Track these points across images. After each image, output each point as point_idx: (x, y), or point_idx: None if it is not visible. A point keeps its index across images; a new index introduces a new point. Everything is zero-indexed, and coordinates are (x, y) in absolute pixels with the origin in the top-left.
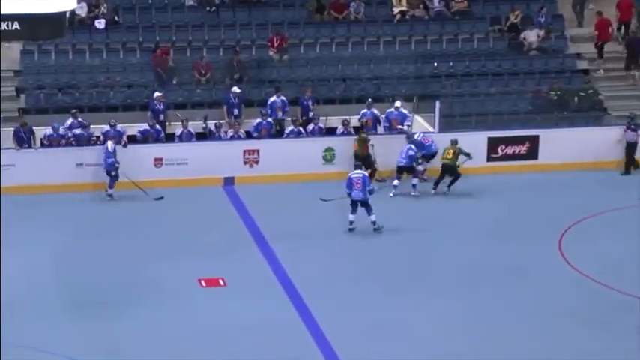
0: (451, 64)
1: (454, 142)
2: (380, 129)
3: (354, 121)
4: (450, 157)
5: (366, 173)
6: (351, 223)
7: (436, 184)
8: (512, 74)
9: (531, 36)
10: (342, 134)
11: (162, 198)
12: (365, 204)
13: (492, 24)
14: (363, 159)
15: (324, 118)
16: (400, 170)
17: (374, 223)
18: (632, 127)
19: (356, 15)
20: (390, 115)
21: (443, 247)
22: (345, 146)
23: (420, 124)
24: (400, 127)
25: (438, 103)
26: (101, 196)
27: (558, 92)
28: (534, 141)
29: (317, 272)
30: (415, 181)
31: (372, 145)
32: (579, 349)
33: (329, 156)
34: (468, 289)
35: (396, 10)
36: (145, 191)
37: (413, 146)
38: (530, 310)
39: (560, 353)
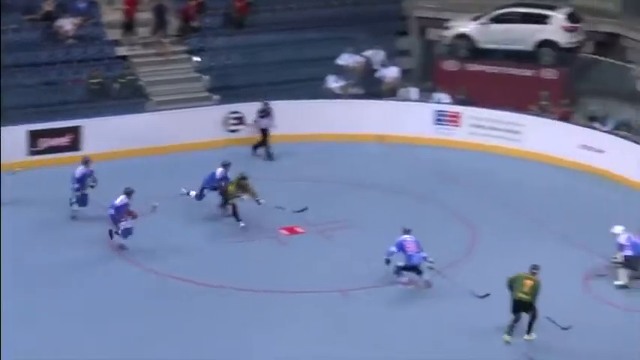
0: None
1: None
2: None
3: None
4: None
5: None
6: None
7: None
8: (50, 64)
9: (67, 24)
10: None
11: None
12: None
13: (26, 13)
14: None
15: None
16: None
17: None
18: (268, 114)
19: None
20: None
21: None
22: None
23: None
24: None
25: None
26: None
27: (99, 80)
28: (76, 131)
29: None
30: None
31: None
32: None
33: None
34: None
35: None
36: None
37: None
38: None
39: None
